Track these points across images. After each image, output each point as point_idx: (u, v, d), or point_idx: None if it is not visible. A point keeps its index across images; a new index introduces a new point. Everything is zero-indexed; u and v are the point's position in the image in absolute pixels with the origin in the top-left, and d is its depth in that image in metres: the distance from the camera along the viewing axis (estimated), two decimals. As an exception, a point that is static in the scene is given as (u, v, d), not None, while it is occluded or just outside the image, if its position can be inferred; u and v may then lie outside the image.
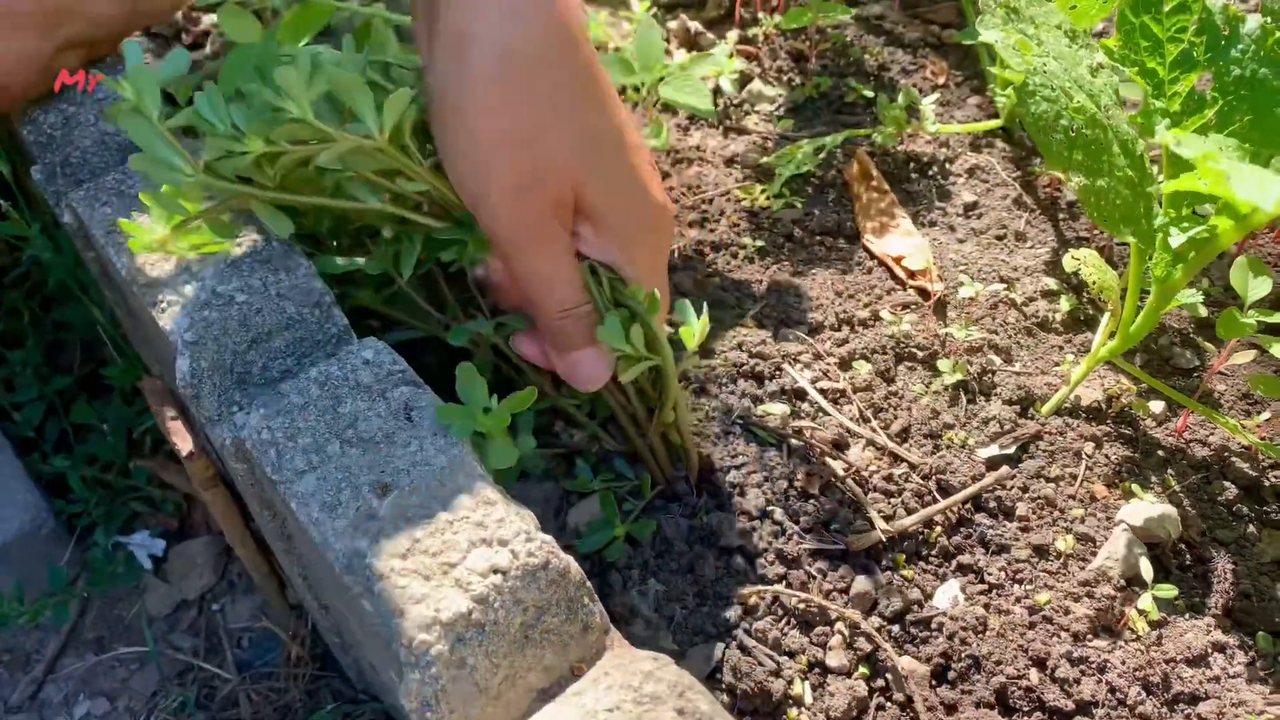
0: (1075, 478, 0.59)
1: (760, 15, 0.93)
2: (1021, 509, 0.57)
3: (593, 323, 0.52)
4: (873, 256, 0.73)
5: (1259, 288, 0.56)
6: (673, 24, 0.94)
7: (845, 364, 0.65)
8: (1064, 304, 0.68)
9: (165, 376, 0.64)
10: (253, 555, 0.64)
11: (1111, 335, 0.61)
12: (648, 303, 0.52)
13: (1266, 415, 0.61)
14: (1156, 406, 0.63)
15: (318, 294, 0.55)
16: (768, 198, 0.77)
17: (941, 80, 0.90)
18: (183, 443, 0.55)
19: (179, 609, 0.73)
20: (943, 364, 0.64)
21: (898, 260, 0.72)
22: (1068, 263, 0.62)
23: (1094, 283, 0.60)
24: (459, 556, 0.44)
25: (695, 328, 0.54)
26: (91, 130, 0.64)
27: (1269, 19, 0.55)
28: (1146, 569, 0.54)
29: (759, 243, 0.74)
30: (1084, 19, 0.62)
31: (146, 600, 0.73)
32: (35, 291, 0.77)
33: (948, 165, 0.81)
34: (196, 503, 0.75)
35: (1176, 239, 0.51)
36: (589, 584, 0.46)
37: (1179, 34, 0.53)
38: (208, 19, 0.92)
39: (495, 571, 0.44)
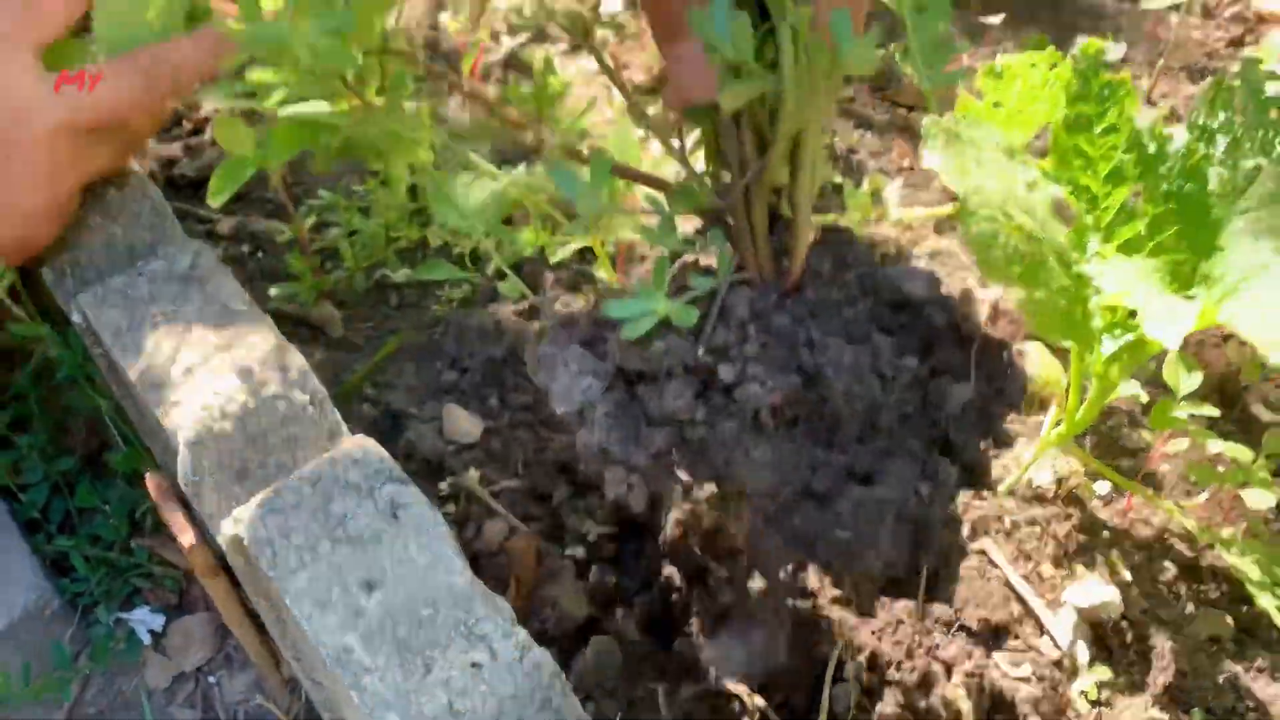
0: (1027, 557, 0.63)
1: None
2: (973, 588, 0.61)
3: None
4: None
5: (1190, 382, 0.60)
6: (651, 111, 0.98)
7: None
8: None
9: (168, 468, 0.68)
10: (250, 636, 0.67)
11: (1059, 423, 0.64)
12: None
13: (1205, 496, 0.65)
14: (1103, 488, 0.67)
15: (313, 392, 0.59)
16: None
17: (907, 163, 0.94)
18: (185, 536, 0.58)
19: (177, 681, 0.76)
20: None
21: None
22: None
23: (1038, 377, 0.64)
24: (439, 652, 0.47)
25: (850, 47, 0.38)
26: (99, 232, 0.68)
27: (1194, 135, 0.60)
28: (1089, 650, 0.58)
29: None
30: (1016, 134, 0.67)
31: (146, 673, 0.76)
32: (42, 376, 0.80)
33: (910, 249, 0.85)
34: (195, 579, 0.79)
35: (1109, 346, 0.55)
36: (563, 676, 0.49)
37: (1110, 152, 0.57)
38: (208, 105, 0.97)
39: (474, 666, 0.47)
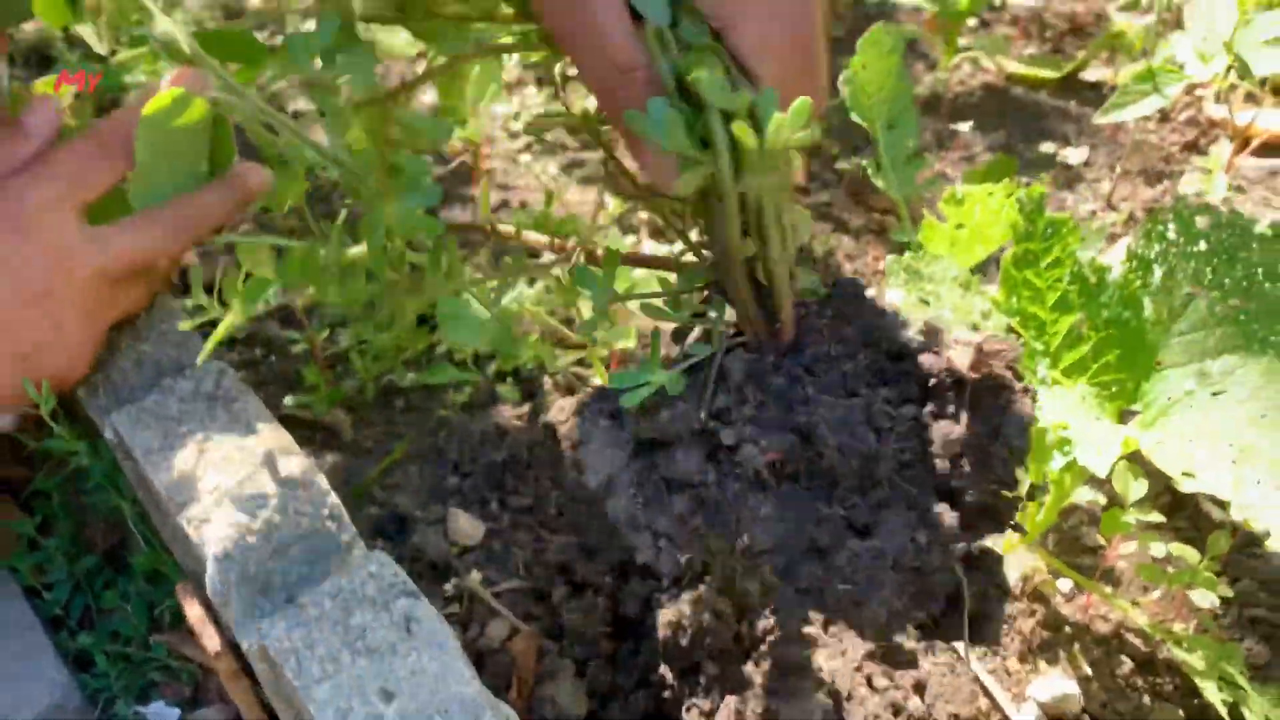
0: (995, 652, 0.67)
1: (720, 207, 1.04)
2: (943, 683, 0.65)
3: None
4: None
5: (1138, 489, 0.65)
6: (643, 214, 1.05)
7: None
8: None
9: (188, 569, 0.72)
10: (266, 733, 0.71)
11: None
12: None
13: (1158, 594, 0.70)
14: (1065, 585, 0.72)
15: (330, 508, 0.64)
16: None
17: (883, 266, 1.01)
18: (210, 643, 0.63)
19: (191, 773, 0.80)
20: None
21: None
22: (977, 467, 0.71)
23: (1000, 485, 0.70)
24: (452, 759, 0.52)
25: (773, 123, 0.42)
26: (130, 351, 0.74)
27: (1131, 266, 0.66)
28: (1051, 743, 0.62)
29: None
30: (965, 259, 0.73)
31: (161, 766, 0.79)
32: (67, 479, 0.85)
33: (886, 350, 0.91)
34: (211, 673, 0.83)
35: (1059, 460, 0.61)
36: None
37: (1056, 284, 0.63)
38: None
39: (483, 771, 0.52)
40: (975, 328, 0.62)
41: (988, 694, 0.65)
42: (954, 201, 0.74)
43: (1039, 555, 0.72)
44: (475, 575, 0.72)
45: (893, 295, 0.61)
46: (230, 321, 0.68)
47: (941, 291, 0.62)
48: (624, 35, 0.43)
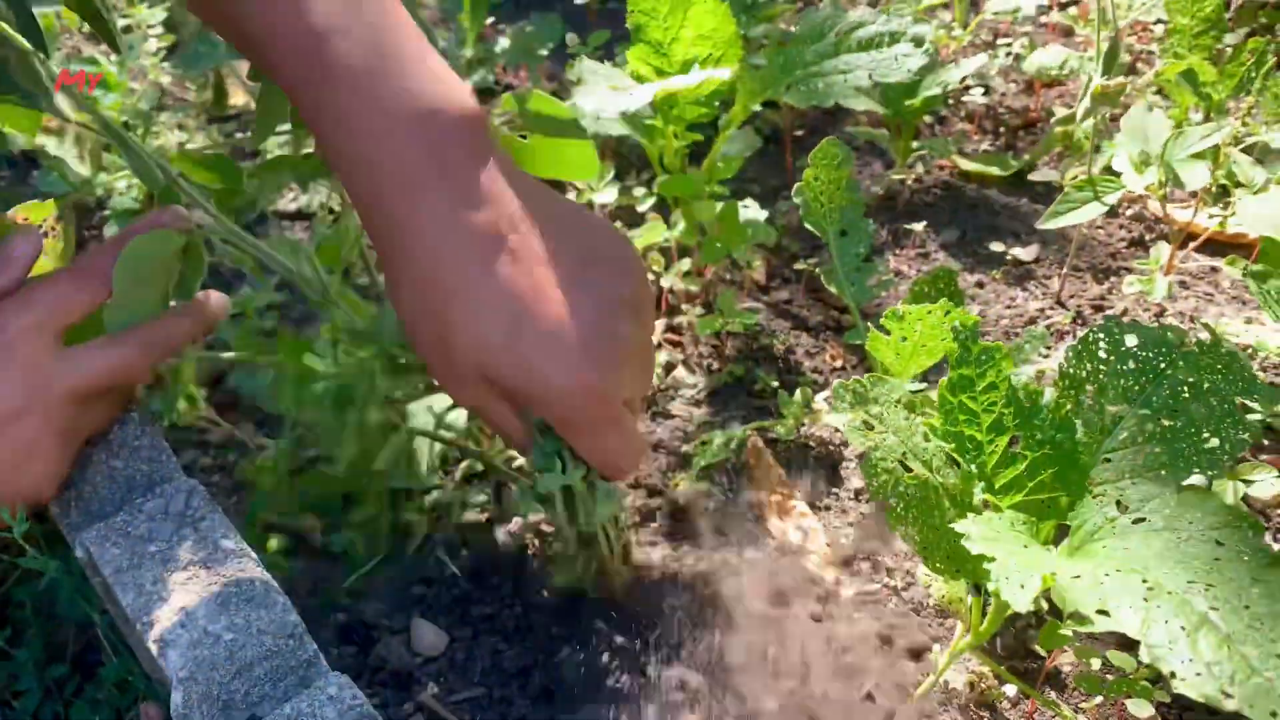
0: (942, 761, 0.69)
1: (684, 306, 1.07)
2: (893, 797, 0.67)
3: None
4: (772, 537, 0.85)
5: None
6: (608, 313, 1.08)
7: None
8: (935, 593, 0.80)
9: (153, 677, 0.74)
10: (227, 847, 0.71)
11: (967, 633, 0.72)
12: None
13: (1099, 701, 0.72)
14: (1011, 690, 0.74)
15: (291, 626, 0.65)
16: (685, 483, 0.90)
17: (839, 364, 1.04)
18: (173, 765, 0.64)
19: None
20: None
21: (796, 550, 0.83)
22: (922, 577, 0.74)
23: (942, 596, 0.72)
24: None
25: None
26: (102, 467, 0.76)
27: (1062, 386, 0.69)
28: None
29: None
30: (909, 370, 0.77)
31: None
32: (40, 590, 0.86)
33: (841, 450, 0.94)
34: (175, 781, 0.83)
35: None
36: None
37: (991, 407, 0.67)
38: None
39: None
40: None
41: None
42: (895, 318, 0.78)
43: (985, 662, 0.74)
44: (432, 689, 0.74)
45: (836, 419, 0.63)
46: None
47: (885, 414, 0.65)
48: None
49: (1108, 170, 1.05)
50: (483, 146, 0.63)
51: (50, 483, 0.72)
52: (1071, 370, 0.70)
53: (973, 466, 0.66)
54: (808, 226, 1.01)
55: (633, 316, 0.64)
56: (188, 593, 0.66)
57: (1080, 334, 0.70)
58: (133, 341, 0.73)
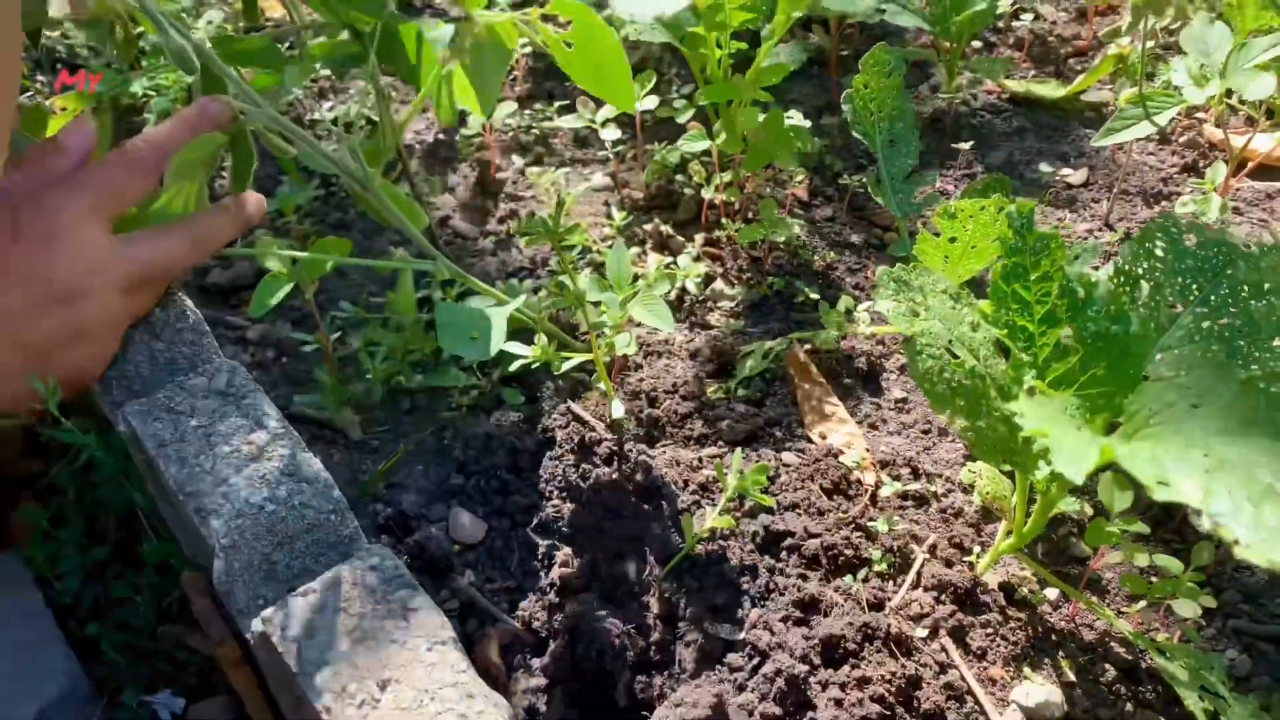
0: (980, 657, 0.69)
1: (724, 220, 1.06)
2: (929, 692, 0.67)
3: None
4: (811, 443, 0.84)
5: (1123, 500, 0.66)
6: (647, 225, 1.07)
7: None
8: (977, 498, 0.79)
9: (196, 560, 0.74)
10: (267, 721, 0.73)
11: (1010, 533, 0.71)
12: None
13: (1142, 603, 0.71)
14: (1052, 593, 0.73)
15: (334, 502, 0.66)
16: (726, 393, 0.89)
17: (881, 280, 1.02)
18: (216, 631, 0.65)
19: (194, 763, 0.82)
20: (874, 553, 0.74)
21: (836, 454, 0.83)
22: (964, 475, 0.72)
23: (986, 494, 0.71)
24: (446, 744, 0.53)
25: None
26: (144, 348, 0.76)
27: (1118, 281, 0.67)
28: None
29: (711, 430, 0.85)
30: (957, 274, 0.75)
31: (165, 755, 0.81)
32: (80, 472, 0.87)
33: (882, 362, 0.92)
34: (216, 664, 0.84)
35: (1045, 469, 0.62)
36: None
37: (1044, 298, 0.65)
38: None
39: (475, 757, 0.53)
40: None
41: (974, 698, 0.66)
42: (947, 216, 0.76)
43: (1027, 564, 0.73)
44: (470, 575, 0.74)
45: (882, 305, 0.62)
46: None
47: (931, 303, 0.64)
48: None
49: (1165, 87, 1.02)
50: None
51: (98, 365, 0.73)
52: (1127, 267, 0.68)
53: (1024, 355, 0.64)
54: (855, 135, 0.99)
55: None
56: (231, 466, 0.66)
57: (1134, 236, 0.68)
58: (181, 234, 0.74)
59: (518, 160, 1.19)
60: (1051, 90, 1.25)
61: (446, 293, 0.95)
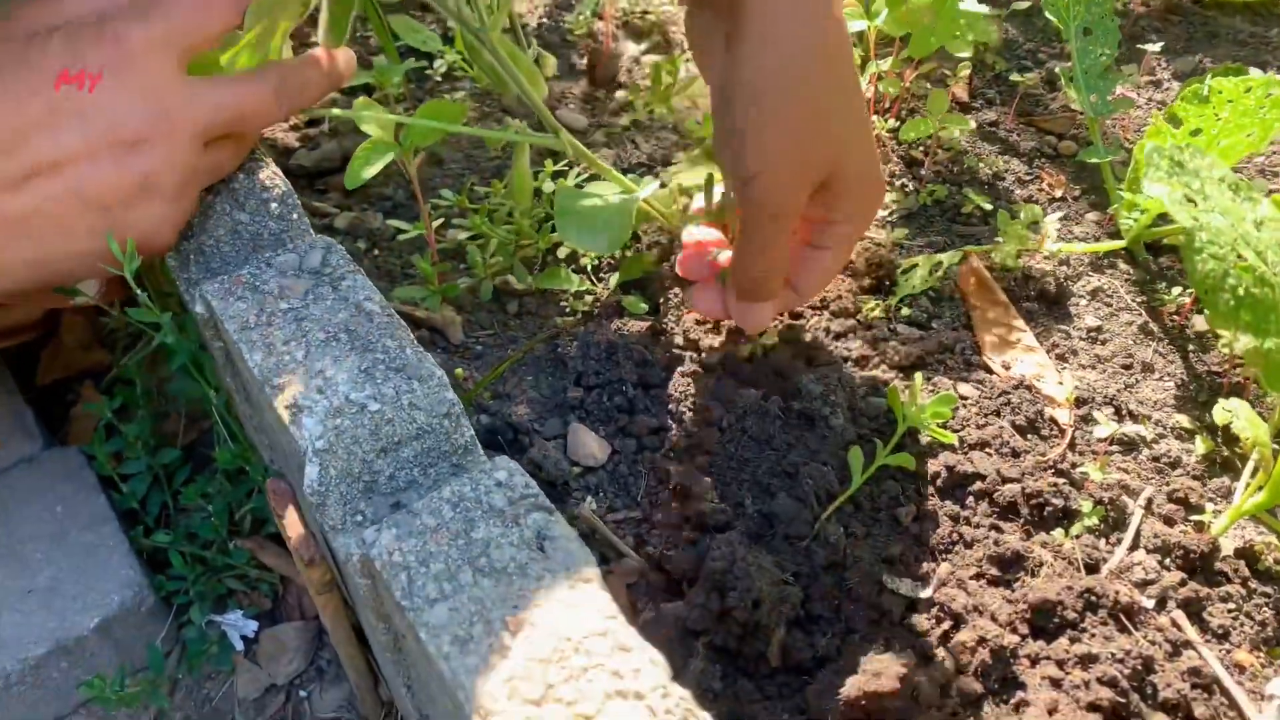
0: (1220, 639, 0.56)
1: (877, 116, 0.92)
2: (1168, 678, 0.54)
3: (780, 280, 0.64)
4: (991, 373, 0.72)
5: None
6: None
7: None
8: (1199, 445, 0.65)
9: (285, 472, 0.64)
10: (355, 655, 0.63)
11: (1260, 489, 0.58)
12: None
13: None
14: (1301, 566, 0.60)
15: (448, 404, 0.54)
16: (886, 312, 0.76)
17: (1059, 194, 0.88)
18: (304, 550, 0.54)
19: (267, 693, 0.73)
20: (1084, 505, 0.61)
21: (1027, 386, 0.69)
22: (1219, 415, 0.59)
23: (1247, 438, 0.58)
24: (594, 708, 0.42)
25: None
26: (225, 219, 0.65)
27: None
28: (1300, 752, 0.51)
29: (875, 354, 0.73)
30: (1231, 158, 0.61)
31: (237, 682, 0.72)
32: (150, 363, 0.78)
33: (1069, 285, 0.79)
34: (291, 585, 0.75)
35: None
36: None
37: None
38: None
39: (630, 726, 0.42)
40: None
41: (1223, 689, 0.54)
42: (1196, 99, 0.62)
43: (1274, 528, 0.60)
44: (591, 504, 0.63)
45: (1152, 190, 0.49)
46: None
47: (1210, 191, 0.50)
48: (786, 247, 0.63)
49: None
50: None
51: (168, 227, 0.61)
52: None
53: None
54: (1021, 32, 0.84)
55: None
56: (326, 355, 0.56)
57: None
58: (268, 80, 0.62)
59: (632, 48, 1.06)
60: (1252, -11, 1.08)
61: (559, 185, 0.83)
